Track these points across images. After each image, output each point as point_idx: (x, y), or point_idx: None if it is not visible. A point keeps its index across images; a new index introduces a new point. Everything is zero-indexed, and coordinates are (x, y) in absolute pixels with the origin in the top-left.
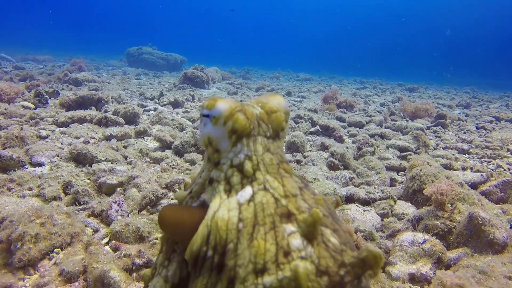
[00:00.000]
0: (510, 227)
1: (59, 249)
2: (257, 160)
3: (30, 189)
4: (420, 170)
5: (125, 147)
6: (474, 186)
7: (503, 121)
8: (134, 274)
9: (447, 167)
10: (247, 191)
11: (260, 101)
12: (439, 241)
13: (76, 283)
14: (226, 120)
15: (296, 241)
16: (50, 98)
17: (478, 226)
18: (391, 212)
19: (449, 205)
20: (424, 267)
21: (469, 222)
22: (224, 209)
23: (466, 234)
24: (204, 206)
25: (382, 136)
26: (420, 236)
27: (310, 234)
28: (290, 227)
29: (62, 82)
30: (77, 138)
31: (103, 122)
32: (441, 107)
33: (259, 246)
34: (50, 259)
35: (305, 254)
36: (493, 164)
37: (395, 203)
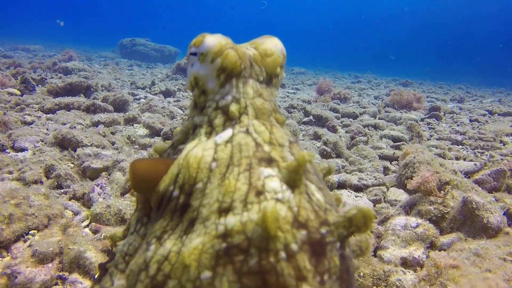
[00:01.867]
0: (504, 214)
1: (35, 231)
2: (246, 103)
3: (10, 172)
4: (414, 157)
5: (113, 133)
6: (467, 175)
7: (496, 114)
8: None
9: (441, 157)
10: (227, 132)
11: (255, 42)
12: (432, 225)
13: (50, 264)
14: (214, 56)
15: (274, 183)
16: (37, 86)
17: (472, 211)
18: (384, 198)
19: (442, 192)
20: (417, 251)
21: (463, 207)
22: (199, 148)
23: (459, 219)
24: None
25: (375, 127)
26: (413, 220)
27: (292, 180)
28: (269, 171)
29: (52, 71)
30: (64, 124)
31: (91, 109)
32: (435, 101)
33: (229, 185)
34: (25, 241)
35: (282, 196)
36: (486, 155)
37: (387, 190)
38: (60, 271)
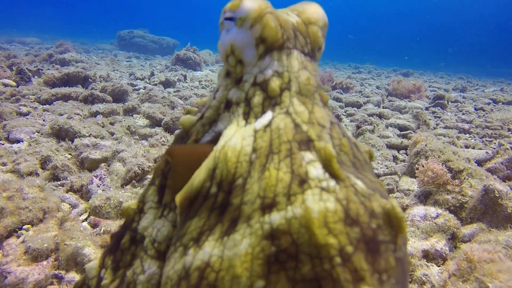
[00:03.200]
0: None
1: (29, 226)
2: (289, 78)
3: (4, 164)
4: (425, 145)
5: (112, 123)
6: (479, 163)
7: (500, 103)
8: None
9: (451, 145)
10: (267, 115)
11: (295, 9)
12: (453, 215)
13: (45, 262)
14: (254, 22)
15: (316, 169)
16: (33, 77)
17: (494, 200)
18: (396, 187)
19: (456, 180)
20: (439, 243)
21: (484, 196)
22: (237, 137)
23: (480, 208)
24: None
25: (380, 116)
26: (432, 210)
27: (330, 166)
28: (309, 155)
29: (48, 63)
30: (61, 115)
31: (90, 100)
32: (437, 90)
33: (270, 177)
34: (18, 237)
35: (326, 186)
36: (495, 143)
37: (399, 179)
38: (56, 269)
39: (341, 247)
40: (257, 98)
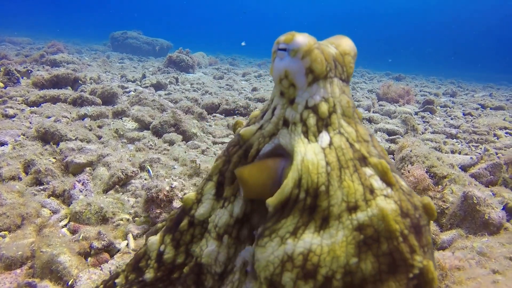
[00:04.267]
0: (503, 209)
1: (6, 232)
2: (334, 102)
3: None
4: (410, 151)
5: (100, 126)
6: (463, 168)
7: (488, 108)
8: (91, 259)
9: (437, 150)
10: (325, 137)
11: (333, 42)
12: (432, 222)
13: (18, 270)
14: (305, 54)
15: (377, 182)
16: (22, 78)
17: (473, 206)
18: None
19: (439, 186)
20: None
21: (463, 202)
22: (311, 153)
23: (460, 214)
24: (279, 150)
25: (370, 120)
26: None
27: (386, 176)
28: (369, 171)
29: (39, 63)
30: (48, 117)
31: (78, 102)
32: (428, 94)
33: (349, 187)
34: None
35: (387, 193)
36: (481, 148)
37: None
38: (30, 277)
39: (401, 231)
40: (312, 120)
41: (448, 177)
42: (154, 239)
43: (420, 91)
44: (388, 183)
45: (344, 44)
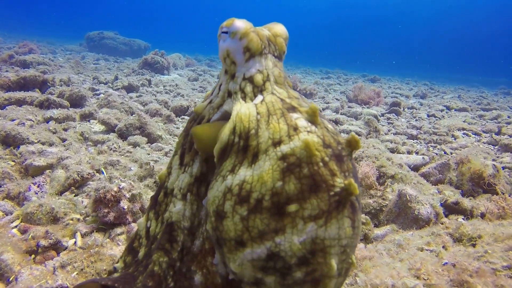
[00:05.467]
0: (440, 205)
1: None
2: (267, 73)
3: None
4: (363, 152)
5: (65, 129)
6: (416, 168)
7: (453, 110)
8: (38, 257)
9: (393, 150)
10: (259, 97)
11: (267, 27)
12: (367, 217)
13: None
14: (242, 36)
15: (302, 122)
16: None
17: (405, 203)
18: None
19: (381, 186)
20: (360, 248)
21: (398, 200)
22: (244, 108)
23: (395, 211)
24: (225, 116)
25: (336, 122)
26: None
27: (313, 120)
28: (295, 115)
29: (8, 64)
30: (12, 120)
31: (45, 105)
32: (399, 96)
33: (275, 127)
34: None
35: (310, 129)
36: (438, 148)
37: None
38: None
39: (322, 157)
40: (248, 88)
41: (396, 176)
42: (141, 219)
43: (392, 93)
44: (314, 123)
45: (277, 28)
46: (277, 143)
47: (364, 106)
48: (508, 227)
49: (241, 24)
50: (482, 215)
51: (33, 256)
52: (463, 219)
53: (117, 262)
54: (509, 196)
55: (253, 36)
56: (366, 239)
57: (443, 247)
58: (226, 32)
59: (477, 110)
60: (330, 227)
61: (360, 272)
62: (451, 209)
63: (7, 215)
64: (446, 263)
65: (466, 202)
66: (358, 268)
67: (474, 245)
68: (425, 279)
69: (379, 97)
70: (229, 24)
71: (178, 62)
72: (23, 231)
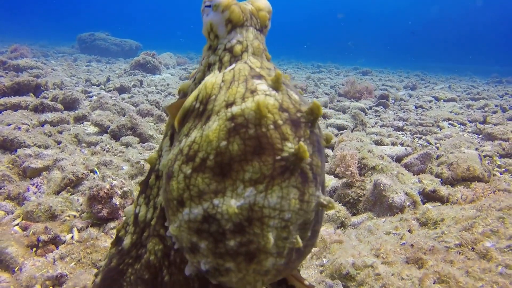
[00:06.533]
0: (418, 193)
1: None
2: (247, 44)
3: None
4: (345, 145)
5: (60, 132)
6: (398, 159)
7: (441, 100)
8: (39, 250)
9: (378, 143)
10: (231, 66)
11: (250, 1)
12: (344, 207)
13: None
14: (224, 8)
15: (263, 85)
16: None
17: (381, 192)
18: None
19: (362, 177)
20: (327, 231)
21: (374, 189)
22: (212, 76)
23: (371, 200)
24: None
25: (324, 116)
26: None
27: (275, 86)
28: (259, 81)
29: (2, 69)
30: (9, 125)
31: (40, 109)
32: (389, 88)
33: (232, 90)
34: None
35: (269, 93)
36: (423, 139)
37: None
38: None
39: (274, 120)
40: (226, 58)
41: (376, 167)
42: (129, 207)
43: (382, 85)
44: (276, 89)
45: (260, 2)
46: (229, 104)
47: (352, 100)
48: (468, 210)
49: None
50: (458, 201)
51: (34, 249)
52: (440, 205)
53: (105, 257)
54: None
55: (234, 8)
56: (343, 226)
57: (408, 230)
58: (209, 6)
59: (466, 100)
60: (271, 194)
61: (329, 254)
62: (429, 197)
63: (8, 214)
64: (404, 243)
65: (443, 190)
66: (328, 251)
67: (436, 228)
68: (383, 258)
69: (371, 94)
70: None
71: (169, 61)
72: (24, 228)
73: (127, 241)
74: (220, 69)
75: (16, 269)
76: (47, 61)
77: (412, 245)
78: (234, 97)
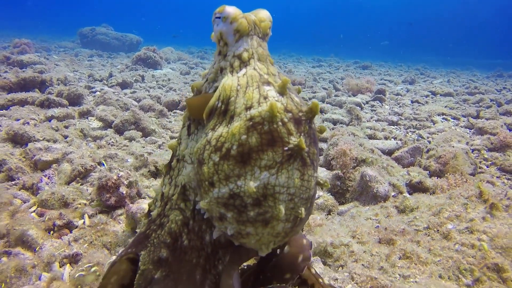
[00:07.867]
0: (405, 185)
1: None
2: (252, 52)
3: None
4: (337, 139)
5: (66, 127)
6: (390, 152)
7: (438, 95)
8: (55, 233)
9: (372, 137)
10: (242, 70)
11: (253, 12)
12: (332, 197)
13: None
14: (233, 20)
15: (272, 92)
16: None
17: (366, 183)
18: None
19: (353, 170)
20: (312, 216)
21: (360, 180)
22: (229, 80)
23: (358, 190)
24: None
25: (320, 111)
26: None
27: (281, 91)
28: (268, 87)
29: (6, 65)
30: (17, 120)
31: (46, 104)
32: (387, 83)
33: (249, 95)
34: None
35: (277, 98)
36: (417, 134)
37: None
38: (6, 247)
39: (281, 118)
40: (236, 63)
41: (366, 160)
42: (157, 185)
43: (381, 80)
44: (282, 94)
45: (261, 13)
46: (248, 107)
47: (349, 95)
48: (441, 198)
49: (231, 10)
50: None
51: (52, 232)
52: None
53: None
54: (471, 174)
55: (242, 20)
56: (331, 213)
57: (386, 216)
58: (219, 17)
59: (462, 95)
60: (280, 176)
61: (312, 236)
62: (415, 188)
63: (25, 202)
64: (378, 226)
65: (429, 181)
66: (311, 233)
67: (412, 214)
68: (358, 238)
69: (371, 91)
70: (221, 10)
71: (170, 56)
72: (40, 215)
73: (155, 212)
74: (232, 73)
75: (37, 248)
76: (49, 56)
77: (385, 228)
78: (252, 101)
